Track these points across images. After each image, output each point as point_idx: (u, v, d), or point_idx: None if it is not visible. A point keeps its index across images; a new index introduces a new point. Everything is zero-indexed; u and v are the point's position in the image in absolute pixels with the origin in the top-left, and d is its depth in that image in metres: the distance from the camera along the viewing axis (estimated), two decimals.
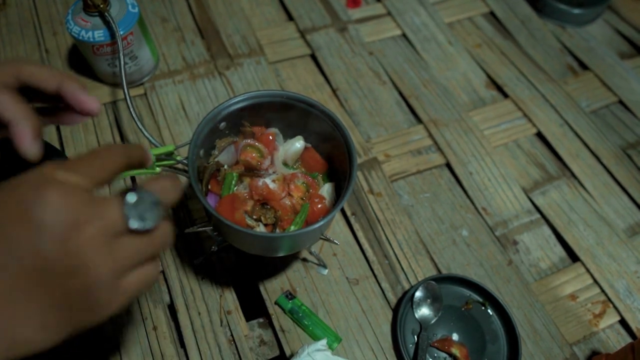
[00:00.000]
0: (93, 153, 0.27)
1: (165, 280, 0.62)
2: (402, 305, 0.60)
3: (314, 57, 0.86)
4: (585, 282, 0.68)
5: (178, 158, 0.50)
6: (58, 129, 0.73)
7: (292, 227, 0.52)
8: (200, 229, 0.55)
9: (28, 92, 0.34)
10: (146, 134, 0.58)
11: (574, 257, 0.71)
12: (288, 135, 0.60)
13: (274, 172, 0.56)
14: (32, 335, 0.24)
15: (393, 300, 0.64)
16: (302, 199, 0.55)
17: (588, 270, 0.69)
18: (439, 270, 0.67)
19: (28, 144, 0.30)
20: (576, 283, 0.68)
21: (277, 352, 0.59)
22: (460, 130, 0.80)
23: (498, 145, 0.80)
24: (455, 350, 0.59)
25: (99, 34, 0.66)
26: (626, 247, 0.71)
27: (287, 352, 0.58)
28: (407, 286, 0.65)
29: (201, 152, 0.54)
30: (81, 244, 0.23)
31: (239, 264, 0.64)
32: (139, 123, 0.59)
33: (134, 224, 0.25)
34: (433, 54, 0.90)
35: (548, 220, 0.73)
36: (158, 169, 0.49)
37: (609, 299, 0.67)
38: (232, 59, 0.83)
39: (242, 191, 0.54)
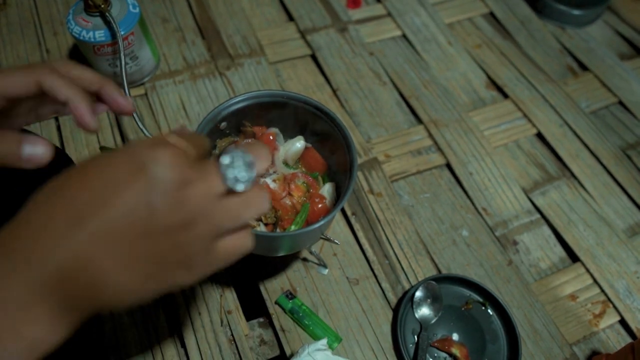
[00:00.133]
0: (192, 133, 0.29)
1: None
2: (402, 305, 0.60)
3: (314, 57, 0.87)
4: (585, 282, 0.68)
5: None
6: (58, 129, 0.73)
7: (293, 227, 0.52)
8: None
9: None
10: (147, 134, 0.59)
11: (574, 257, 0.71)
12: (288, 135, 0.60)
13: (274, 172, 0.56)
14: (125, 285, 0.25)
15: (393, 300, 0.64)
16: (302, 198, 0.55)
17: (588, 271, 0.69)
18: (439, 270, 0.67)
19: (88, 118, 0.33)
20: (576, 283, 0.68)
21: (277, 352, 0.59)
22: (461, 131, 0.80)
23: (498, 146, 0.80)
24: (455, 350, 0.59)
25: (100, 34, 0.66)
26: (626, 247, 0.71)
27: (288, 352, 0.58)
28: (407, 286, 0.65)
29: None
30: (190, 201, 0.25)
31: (239, 264, 0.64)
32: (139, 123, 0.59)
33: (230, 183, 0.27)
34: (433, 55, 0.90)
35: (548, 221, 0.73)
36: None
37: (609, 299, 0.67)
38: (232, 59, 0.83)
39: None
